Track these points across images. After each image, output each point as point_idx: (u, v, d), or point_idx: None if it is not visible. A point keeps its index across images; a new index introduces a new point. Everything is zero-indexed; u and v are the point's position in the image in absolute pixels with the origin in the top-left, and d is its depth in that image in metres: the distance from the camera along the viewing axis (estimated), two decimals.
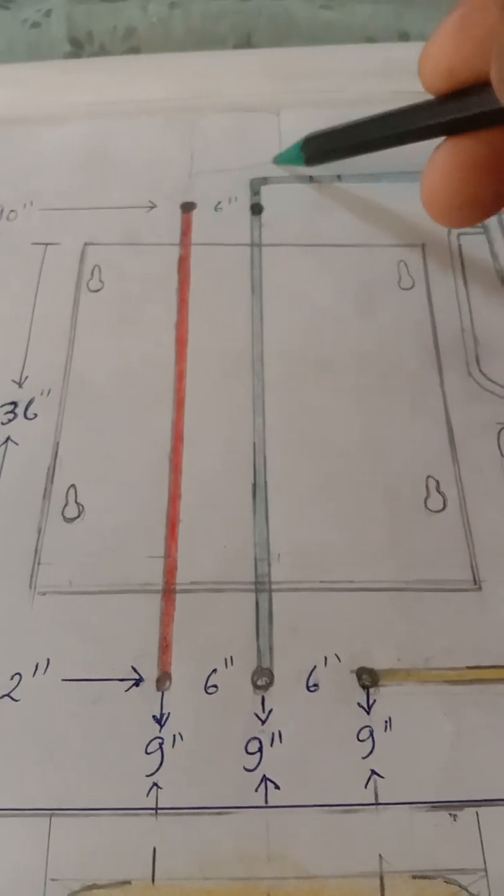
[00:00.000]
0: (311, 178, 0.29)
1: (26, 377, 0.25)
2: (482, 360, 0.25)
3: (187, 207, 0.28)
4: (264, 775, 0.19)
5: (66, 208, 0.28)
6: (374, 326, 0.26)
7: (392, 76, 0.28)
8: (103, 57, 0.35)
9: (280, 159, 0.29)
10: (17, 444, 0.23)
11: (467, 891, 0.17)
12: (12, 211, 0.28)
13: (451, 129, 0.21)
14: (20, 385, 0.25)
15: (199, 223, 0.28)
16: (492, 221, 0.28)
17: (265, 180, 0.29)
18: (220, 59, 0.33)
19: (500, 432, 0.24)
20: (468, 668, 0.20)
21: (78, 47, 0.35)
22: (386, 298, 0.26)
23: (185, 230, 0.28)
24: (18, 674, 0.20)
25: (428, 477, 0.23)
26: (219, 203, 0.28)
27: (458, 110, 0.21)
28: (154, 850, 0.18)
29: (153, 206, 0.28)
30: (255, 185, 0.29)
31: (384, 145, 0.25)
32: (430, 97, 0.22)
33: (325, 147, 0.27)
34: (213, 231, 0.28)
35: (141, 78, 0.32)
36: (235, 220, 0.28)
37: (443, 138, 0.22)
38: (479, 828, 0.18)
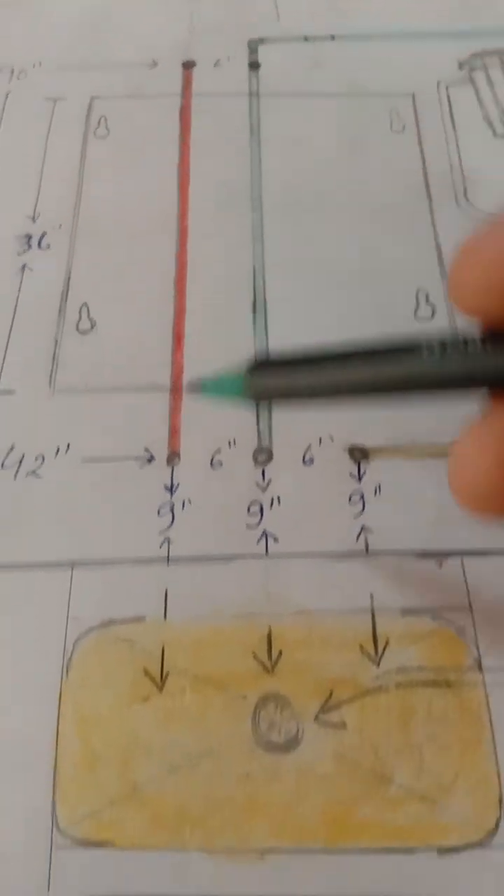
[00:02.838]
0: (305, 38, 0.30)
1: (39, 213, 0.26)
2: (470, 192, 0.27)
3: (188, 65, 0.30)
4: (264, 530, 0.20)
5: (72, 67, 0.30)
6: (367, 164, 0.27)
7: None
8: None
9: (206, 388, 0.18)
10: (32, 270, 0.25)
11: (454, 624, 0.19)
12: (22, 71, 0.30)
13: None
14: (34, 220, 0.26)
15: (200, 79, 0.29)
16: (477, 74, 0.30)
17: (262, 40, 0.30)
18: None
19: None
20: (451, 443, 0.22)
21: None
22: (378, 141, 0.28)
23: (186, 84, 0.29)
24: (42, 455, 0.22)
25: (418, 290, 0.24)
26: (218, 61, 0.30)
27: None
28: (166, 591, 0.20)
29: (155, 65, 0.30)
30: (253, 45, 0.30)
31: (386, 393, 0.16)
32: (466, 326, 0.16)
33: (285, 384, 0.17)
34: (213, 85, 0.29)
35: None
36: (234, 75, 0.29)
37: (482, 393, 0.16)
38: (465, 573, 0.20)
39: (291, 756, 0.18)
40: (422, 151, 0.27)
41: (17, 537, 0.21)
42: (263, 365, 0.17)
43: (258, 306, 0.24)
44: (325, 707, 0.18)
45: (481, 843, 0.17)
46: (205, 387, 0.18)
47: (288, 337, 0.24)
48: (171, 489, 0.21)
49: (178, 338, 0.24)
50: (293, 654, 0.19)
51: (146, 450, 0.22)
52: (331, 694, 0.19)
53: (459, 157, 0.27)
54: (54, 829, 0.17)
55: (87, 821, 0.17)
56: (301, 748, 0.18)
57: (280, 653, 0.19)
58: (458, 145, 0.28)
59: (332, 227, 0.26)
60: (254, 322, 0.24)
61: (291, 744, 0.18)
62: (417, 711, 0.18)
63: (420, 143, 0.28)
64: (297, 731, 0.18)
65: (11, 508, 0.21)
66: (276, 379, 0.17)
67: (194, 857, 0.17)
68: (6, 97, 0.29)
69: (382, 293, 0.24)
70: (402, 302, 0.24)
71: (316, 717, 0.18)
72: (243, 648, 0.19)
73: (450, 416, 0.22)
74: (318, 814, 0.17)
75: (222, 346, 0.23)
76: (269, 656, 0.19)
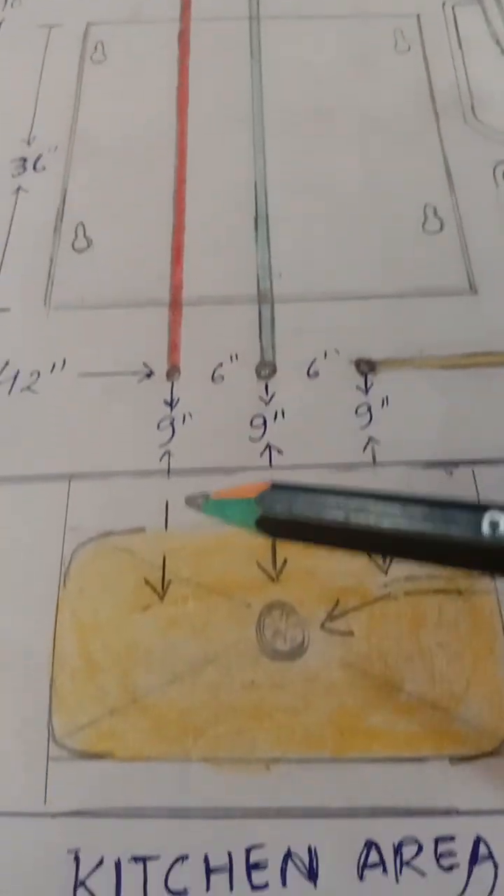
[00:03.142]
0: None
1: (35, 137, 0.26)
2: (477, 109, 0.26)
3: None
4: (268, 443, 0.20)
5: None
6: (372, 84, 0.26)
7: None
8: None
9: (209, 508, 0.16)
10: (27, 191, 0.24)
11: None
12: None
13: None
14: (29, 144, 0.25)
15: (198, 3, 0.29)
16: None
17: None
18: None
19: (494, 168, 0.24)
20: (462, 355, 0.21)
21: None
22: (383, 60, 0.27)
23: (185, 9, 0.28)
24: (37, 371, 0.21)
25: (426, 205, 0.24)
26: None
27: None
28: (167, 503, 0.19)
29: None
30: None
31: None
32: None
33: (300, 526, 0.14)
34: (212, 8, 0.28)
35: None
36: None
37: None
38: (475, 482, 0.19)
39: (297, 664, 0.17)
40: (427, 71, 0.26)
41: (14, 451, 0.20)
42: (280, 501, 0.14)
43: (260, 222, 0.23)
44: (332, 615, 0.18)
45: (494, 752, 0.17)
46: (206, 507, 0.15)
47: (291, 252, 0.23)
48: (170, 403, 0.20)
49: (177, 253, 0.23)
50: (299, 563, 0.18)
51: (145, 364, 0.21)
52: (337, 602, 0.18)
53: (466, 75, 0.26)
54: (50, 741, 0.17)
55: (86, 731, 0.17)
56: (307, 656, 0.17)
57: (285, 561, 0.18)
58: (464, 64, 0.27)
59: (336, 145, 0.25)
60: (256, 237, 0.23)
61: (297, 651, 0.17)
62: (427, 619, 0.18)
63: (426, 62, 0.27)
64: (303, 638, 0.18)
65: (6, 423, 0.20)
66: (291, 513, 0.14)
67: (197, 767, 0.16)
68: (0, 25, 0.28)
69: (388, 208, 0.23)
70: (410, 216, 0.23)
71: (322, 625, 0.18)
72: (247, 557, 0.18)
73: (458, 328, 0.21)
74: (326, 723, 0.17)
75: (223, 261, 0.23)
76: (274, 565, 0.18)
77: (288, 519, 0.14)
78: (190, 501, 0.18)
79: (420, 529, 0.13)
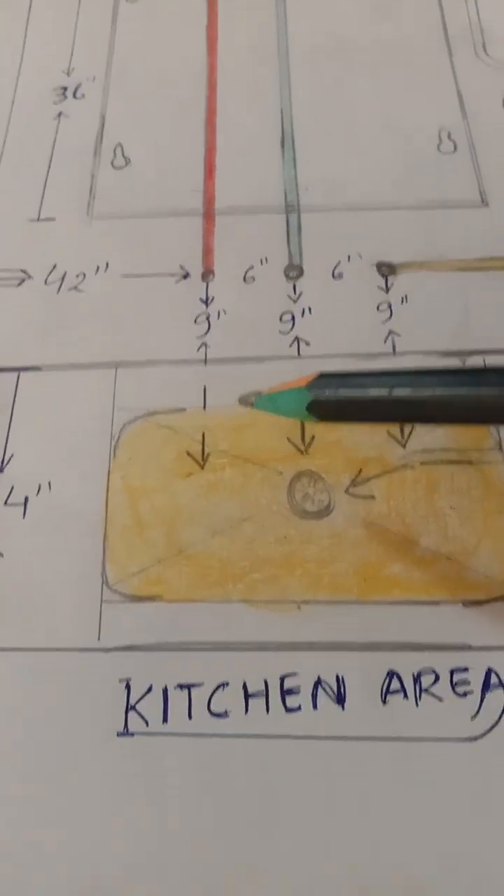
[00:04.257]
0: None
1: (73, 68, 0.27)
2: (488, 45, 0.27)
3: None
4: (296, 336, 0.22)
5: None
6: (389, 22, 0.28)
7: None
8: None
9: (261, 403, 0.19)
10: (68, 116, 0.26)
11: None
12: None
13: None
14: (68, 74, 0.27)
15: None
16: None
17: None
18: None
19: (503, 97, 0.26)
20: (475, 259, 0.23)
21: None
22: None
23: None
24: (83, 273, 0.23)
25: (440, 129, 0.25)
26: None
27: None
28: (204, 387, 0.21)
29: None
30: None
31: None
32: None
33: (348, 405, 0.17)
34: None
35: None
36: None
37: None
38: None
39: (324, 522, 0.19)
40: (441, 10, 0.28)
41: (65, 342, 0.22)
42: (326, 379, 0.17)
43: (286, 143, 0.25)
44: (355, 482, 0.20)
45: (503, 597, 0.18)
46: (259, 402, 0.18)
47: (316, 170, 0.25)
48: (206, 301, 0.22)
49: (209, 170, 0.25)
50: (325, 438, 0.20)
51: (181, 267, 0.23)
52: (360, 471, 0.20)
53: (478, 14, 0.28)
54: (104, 587, 0.19)
55: (136, 578, 0.19)
56: (333, 516, 0.19)
57: (313, 437, 0.20)
58: (476, 4, 0.28)
59: (357, 76, 0.26)
60: (283, 156, 0.25)
61: (324, 512, 0.19)
62: (442, 485, 0.20)
63: (440, 1, 0.28)
64: (329, 501, 0.19)
65: (56, 318, 0.22)
66: (339, 394, 0.17)
67: (236, 607, 0.18)
68: None
69: (405, 132, 0.25)
70: (425, 139, 0.25)
71: (346, 490, 0.19)
72: (278, 433, 0.20)
73: (472, 236, 0.23)
74: (351, 572, 0.19)
75: (252, 177, 0.24)
76: (303, 440, 0.20)
77: (337, 399, 0.17)
78: (243, 400, 0.20)
79: (455, 393, 0.16)
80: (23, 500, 0.20)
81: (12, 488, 0.20)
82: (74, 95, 0.27)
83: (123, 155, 0.25)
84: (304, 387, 0.17)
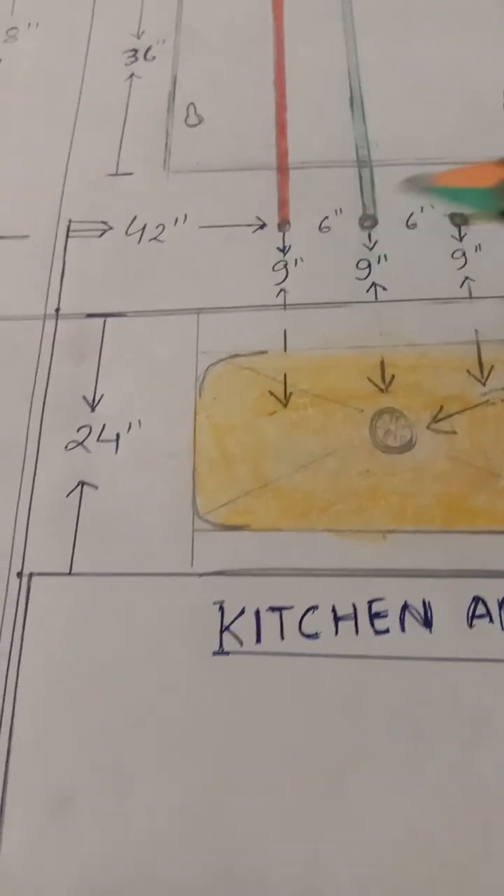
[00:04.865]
0: None
1: (143, 31, 0.28)
2: None
3: None
4: (373, 282, 0.22)
5: None
6: None
7: None
8: None
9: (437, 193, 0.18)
10: (140, 77, 0.27)
11: None
12: None
13: None
14: (138, 37, 0.28)
15: None
16: None
17: None
18: None
19: None
20: None
21: None
22: None
23: None
24: (162, 224, 0.24)
25: None
26: None
27: None
28: (285, 331, 0.22)
29: None
30: None
31: None
32: None
33: None
34: None
35: None
36: None
37: None
38: None
39: (407, 457, 0.20)
40: None
41: (148, 290, 0.22)
42: None
43: (355, 100, 0.26)
44: (436, 418, 0.20)
45: None
46: (433, 192, 0.17)
47: (386, 126, 0.25)
48: (283, 250, 0.23)
49: (280, 126, 0.25)
50: (405, 378, 0.21)
51: (257, 218, 0.23)
52: (441, 407, 0.20)
53: None
54: (195, 517, 0.19)
55: (224, 509, 0.19)
56: (415, 451, 0.20)
57: (393, 377, 0.21)
58: None
59: (423, 32, 0.27)
60: (352, 114, 0.25)
61: (406, 447, 0.20)
62: None
63: None
64: (411, 437, 0.20)
65: (138, 267, 0.23)
66: None
67: (322, 536, 0.19)
68: None
69: (472, 87, 0.26)
70: (490, 95, 0.25)
71: (428, 426, 0.20)
72: (359, 373, 0.21)
73: None
74: (435, 503, 0.19)
75: (323, 133, 0.25)
76: (383, 379, 0.21)
77: None
78: (412, 182, 0.20)
79: None
80: (114, 437, 0.20)
81: (104, 426, 0.21)
82: (145, 57, 0.27)
83: (196, 113, 0.26)
84: (493, 188, 0.15)
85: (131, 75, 0.27)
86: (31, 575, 0.19)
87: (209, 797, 0.17)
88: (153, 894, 0.16)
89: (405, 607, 0.18)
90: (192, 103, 0.26)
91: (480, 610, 0.18)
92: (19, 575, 0.19)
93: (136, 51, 0.28)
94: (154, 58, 0.27)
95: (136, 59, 0.27)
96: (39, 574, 0.19)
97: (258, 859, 0.16)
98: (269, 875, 0.16)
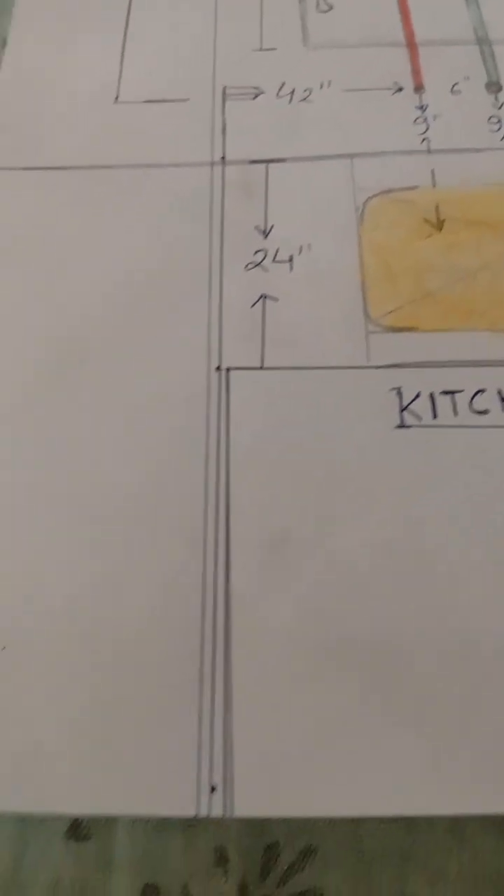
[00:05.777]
0: None
1: None
2: None
3: None
4: None
5: None
6: None
7: None
8: None
9: None
10: None
11: None
12: None
13: None
14: None
15: None
16: None
17: None
18: None
19: None
20: None
21: None
22: None
23: None
24: (309, 89, 0.26)
25: None
26: None
27: None
28: (432, 171, 0.24)
29: None
30: None
31: None
32: None
33: None
34: None
35: None
36: None
37: None
38: None
39: None
40: None
41: (303, 140, 0.25)
42: None
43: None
44: None
45: None
46: None
47: (499, 11, 0.28)
48: (421, 108, 0.26)
49: (405, 14, 0.28)
50: None
51: (395, 83, 0.26)
52: None
53: None
54: (367, 321, 0.22)
55: (392, 315, 0.22)
56: None
57: None
58: None
59: None
60: (466, 3, 0.28)
61: None
62: None
63: None
64: None
65: (291, 122, 0.25)
66: None
67: (483, 335, 0.22)
68: None
69: None
70: None
71: None
72: (502, 204, 0.24)
73: None
74: None
75: (445, 21, 0.28)
76: None
77: None
78: None
79: None
80: (288, 258, 0.23)
81: (278, 250, 0.23)
82: None
83: (326, 1, 0.28)
84: None
85: None
86: (227, 369, 0.21)
87: (402, 536, 0.19)
88: (352, 608, 0.19)
89: None
90: None
91: None
92: (218, 369, 0.21)
93: None
94: None
95: None
96: (236, 368, 0.21)
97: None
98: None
